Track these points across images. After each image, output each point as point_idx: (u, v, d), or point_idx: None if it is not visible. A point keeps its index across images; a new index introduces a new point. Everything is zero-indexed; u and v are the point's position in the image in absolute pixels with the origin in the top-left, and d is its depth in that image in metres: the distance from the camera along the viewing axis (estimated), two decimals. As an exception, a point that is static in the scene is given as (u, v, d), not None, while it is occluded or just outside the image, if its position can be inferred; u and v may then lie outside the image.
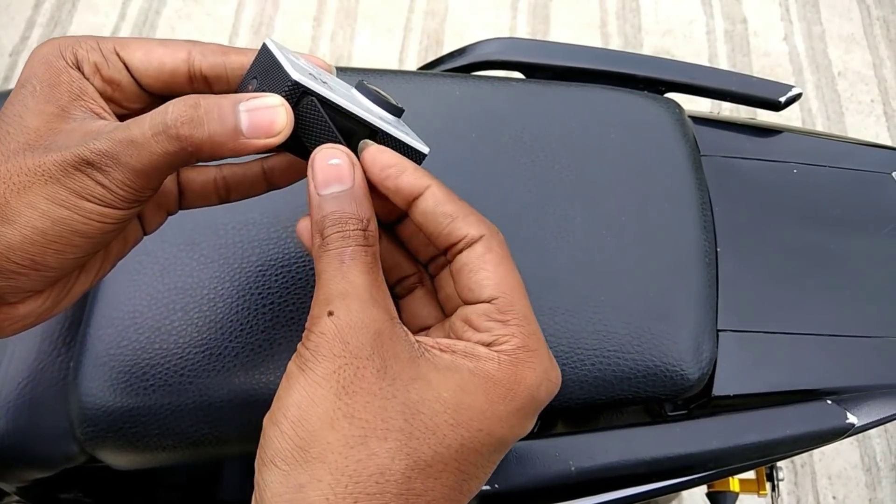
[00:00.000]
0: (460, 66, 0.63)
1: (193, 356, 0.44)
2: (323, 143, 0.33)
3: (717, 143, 0.58)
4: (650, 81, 0.60)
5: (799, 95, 0.59)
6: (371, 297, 0.30)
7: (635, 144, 0.53)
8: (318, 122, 0.33)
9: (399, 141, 0.35)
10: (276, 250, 0.47)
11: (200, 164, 0.38)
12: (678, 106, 0.57)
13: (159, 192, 0.38)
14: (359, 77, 0.54)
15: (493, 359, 0.31)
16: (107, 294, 0.46)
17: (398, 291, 0.39)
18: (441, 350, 0.31)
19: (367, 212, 0.32)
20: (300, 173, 0.39)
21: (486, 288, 0.32)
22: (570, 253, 0.49)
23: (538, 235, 0.49)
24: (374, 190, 0.34)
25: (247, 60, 0.34)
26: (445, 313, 0.37)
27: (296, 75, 0.31)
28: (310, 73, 0.33)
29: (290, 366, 0.30)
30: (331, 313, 0.29)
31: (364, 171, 0.33)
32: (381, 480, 0.27)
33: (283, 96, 0.32)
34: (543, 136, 0.53)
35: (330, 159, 0.32)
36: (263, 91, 0.32)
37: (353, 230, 0.31)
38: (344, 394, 0.28)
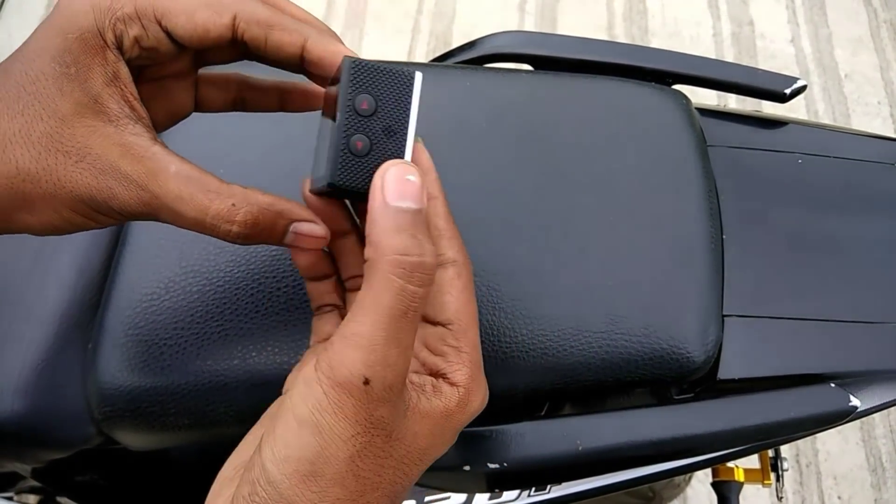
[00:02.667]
0: (471, 58, 0.63)
1: (210, 337, 0.45)
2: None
3: (723, 134, 0.59)
4: (658, 74, 0.61)
5: (804, 87, 0.60)
6: (407, 364, 0.30)
7: (643, 134, 0.54)
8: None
9: None
10: (290, 235, 0.48)
11: (217, 73, 0.39)
12: (685, 97, 0.58)
13: (173, 107, 0.38)
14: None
15: (454, 395, 0.32)
16: (125, 277, 0.47)
17: (347, 285, 0.39)
18: (420, 393, 0.32)
19: (430, 244, 0.30)
20: (311, 104, 0.40)
21: (448, 311, 0.33)
22: (579, 239, 0.50)
23: (547, 222, 0.50)
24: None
25: (288, 41, 0.33)
26: None
27: (337, 175, 0.31)
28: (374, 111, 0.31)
29: (303, 409, 0.29)
30: (367, 382, 0.28)
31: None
32: None
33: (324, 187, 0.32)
34: (553, 126, 0.54)
35: (406, 175, 0.30)
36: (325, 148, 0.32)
37: (421, 274, 0.29)
38: (357, 458, 0.29)
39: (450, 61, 0.65)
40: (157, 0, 0.31)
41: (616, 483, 0.51)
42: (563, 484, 0.56)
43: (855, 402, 0.47)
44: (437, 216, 0.34)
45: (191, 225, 0.33)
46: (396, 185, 0.30)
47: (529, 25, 1.80)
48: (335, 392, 0.28)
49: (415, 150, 0.33)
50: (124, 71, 0.32)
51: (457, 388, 0.32)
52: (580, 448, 0.45)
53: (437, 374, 0.33)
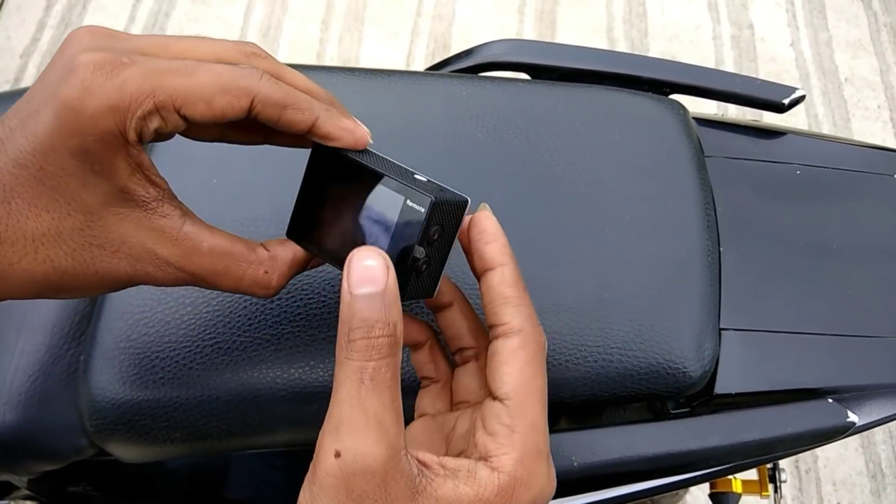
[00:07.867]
0: (467, 67, 0.63)
1: (202, 350, 0.45)
2: None
3: (720, 145, 0.58)
4: (654, 83, 0.60)
5: (803, 97, 0.60)
6: (382, 430, 0.29)
7: (639, 145, 0.54)
8: None
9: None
10: (283, 247, 0.47)
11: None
12: (682, 107, 0.58)
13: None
14: (370, 80, 0.55)
15: (493, 483, 0.31)
16: (117, 289, 0.47)
17: (456, 359, 0.40)
18: (445, 476, 0.31)
19: (395, 316, 0.31)
20: (299, 142, 0.38)
21: (505, 385, 0.33)
22: (574, 251, 0.49)
23: (542, 234, 0.50)
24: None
25: (300, 119, 0.33)
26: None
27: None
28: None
29: (302, 492, 0.30)
30: (338, 454, 0.29)
31: (468, 228, 0.36)
32: None
33: None
34: (549, 136, 0.53)
35: (365, 260, 0.31)
36: None
37: (378, 336, 0.30)
38: None
39: (446, 70, 0.64)
40: (176, 89, 0.30)
41: (612, 498, 0.51)
42: (558, 500, 0.56)
43: (853, 417, 0.47)
44: (503, 283, 0.34)
45: (229, 290, 0.35)
46: (356, 274, 0.31)
47: (528, 28, 1.80)
48: (317, 474, 0.29)
49: (480, 219, 0.36)
50: (146, 159, 0.32)
51: (497, 473, 0.31)
52: (575, 464, 0.45)
53: (484, 456, 0.32)
